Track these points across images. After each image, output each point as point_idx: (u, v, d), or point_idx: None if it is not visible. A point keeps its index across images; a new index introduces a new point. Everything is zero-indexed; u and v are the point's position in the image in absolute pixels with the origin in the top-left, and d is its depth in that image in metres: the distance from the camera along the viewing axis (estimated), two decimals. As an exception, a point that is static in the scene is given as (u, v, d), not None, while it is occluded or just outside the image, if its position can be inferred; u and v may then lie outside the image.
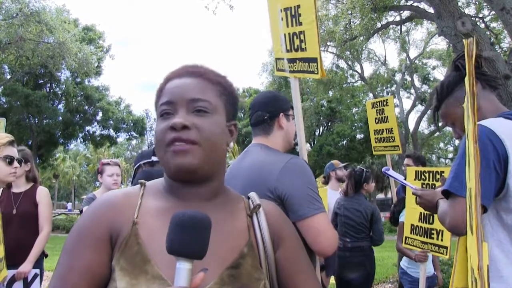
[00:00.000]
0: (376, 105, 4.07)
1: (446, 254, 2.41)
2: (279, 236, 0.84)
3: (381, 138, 4.03)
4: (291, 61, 1.80)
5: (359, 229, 3.43)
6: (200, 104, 0.79)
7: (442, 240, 2.42)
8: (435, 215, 2.38)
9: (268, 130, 1.55)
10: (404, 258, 3.23)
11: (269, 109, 1.56)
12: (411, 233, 2.62)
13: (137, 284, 0.69)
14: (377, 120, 4.05)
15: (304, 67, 1.73)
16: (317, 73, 1.68)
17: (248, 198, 0.90)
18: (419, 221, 2.54)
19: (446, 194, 1.27)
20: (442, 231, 2.40)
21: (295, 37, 1.75)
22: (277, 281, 0.83)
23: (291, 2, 1.73)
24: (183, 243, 0.63)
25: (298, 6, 1.70)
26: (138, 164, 2.61)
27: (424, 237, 2.52)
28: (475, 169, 0.62)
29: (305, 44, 1.71)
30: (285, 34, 1.81)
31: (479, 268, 0.57)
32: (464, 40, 0.64)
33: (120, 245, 0.74)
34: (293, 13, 1.74)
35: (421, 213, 2.51)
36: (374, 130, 4.08)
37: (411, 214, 2.61)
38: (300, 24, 1.71)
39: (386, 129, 3.96)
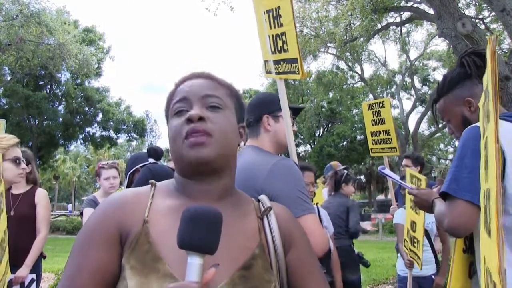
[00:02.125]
0: (372, 107, 4.05)
1: (420, 266, 2.44)
2: (289, 238, 0.84)
3: (378, 140, 4.02)
4: (276, 62, 1.81)
5: (335, 225, 3.32)
6: (213, 100, 0.83)
7: (419, 250, 2.42)
8: (418, 224, 2.38)
9: (255, 132, 1.56)
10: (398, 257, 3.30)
11: (253, 112, 1.56)
12: (407, 235, 2.65)
13: (147, 283, 0.69)
14: (373, 122, 4.03)
15: (288, 68, 1.73)
16: (298, 73, 1.68)
17: (258, 200, 0.91)
18: (410, 227, 2.55)
19: (444, 196, 1.26)
20: (419, 241, 2.40)
21: (277, 38, 1.76)
22: (287, 283, 0.83)
23: (272, 4, 1.74)
24: (194, 237, 0.62)
25: (279, 8, 1.71)
26: (134, 168, 2.55)
27: (410, 244, 2.54)
28: (496, 169, 0.60)
29: (287, 45, 1.71)
30: (269, 36, 1.81)
31: (500, 272, 0.55)
32: (487, 37, 0.62)
33: (130, 244, 0.74)
34: (274, 15, 1.74)
35: (411, 219, 2.51)
36: (371, 132, 4.07)
37: (408, 218, 2.61)
38: (281, 25, 1.71)
39: (382, 131, 3.95)
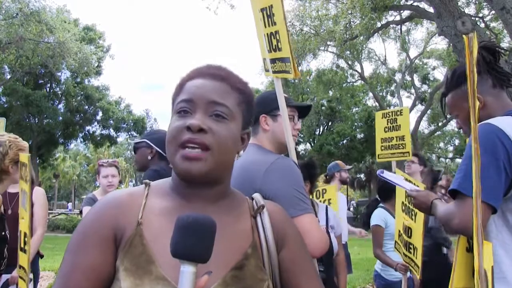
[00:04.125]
0: (387, 115, 4.00)
1: (418, 274, 2.31)
2: (282, 236, 0.84)
3: (389, 145, 3.95)
4: (272, 61, 1.79)
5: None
6: (218, 108, 0.78)
7: (416, 257, 2.30)
8: (415, 231, 2.27)
9: (255, 131, 1.56)
10: (378, 260, 3.04)
11: None
12: (399, 238, 2.52)
13: (141, 285, 0.69)
14: (386, 129, 3.95)
15: (283, 67, 1.72)
16: (291, 73, 1.65)
17: (252, 199, 0.90)
18: (403, 231, 2.42)
19: (453, 194, 1.22)
20: (417, 248, 2.27)
21: (272, 37, 1.74)
22: (280, 282, 0.83)
23: (266, 2, 1.73)
24: (187, 247, 0.62)
25: (271, 6, 1.69)
26: (141, 140, 2.43)
27: (405, 249, 2.42)
28: (475, 169, 0.61)
29: (280, 44, 1.70)
30: (265, 35, 1.80)
31: (478, 270, 0.56)
32: (464, 37, 0.62)
33: (124, 245, 0.74)
34: (268, 13, 1.72)
35: (403, 223, 2.40)
36: (382, 139, 4.01)
37: (399, 220, 2.50)
38: (275, 24, 1.70)
39: (396, 136, 3.88)
